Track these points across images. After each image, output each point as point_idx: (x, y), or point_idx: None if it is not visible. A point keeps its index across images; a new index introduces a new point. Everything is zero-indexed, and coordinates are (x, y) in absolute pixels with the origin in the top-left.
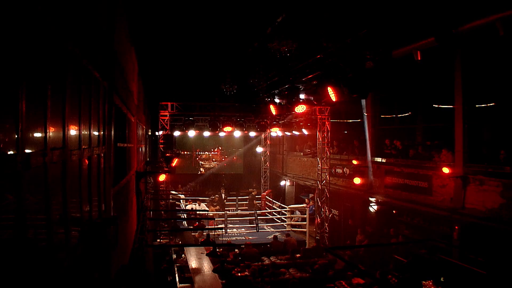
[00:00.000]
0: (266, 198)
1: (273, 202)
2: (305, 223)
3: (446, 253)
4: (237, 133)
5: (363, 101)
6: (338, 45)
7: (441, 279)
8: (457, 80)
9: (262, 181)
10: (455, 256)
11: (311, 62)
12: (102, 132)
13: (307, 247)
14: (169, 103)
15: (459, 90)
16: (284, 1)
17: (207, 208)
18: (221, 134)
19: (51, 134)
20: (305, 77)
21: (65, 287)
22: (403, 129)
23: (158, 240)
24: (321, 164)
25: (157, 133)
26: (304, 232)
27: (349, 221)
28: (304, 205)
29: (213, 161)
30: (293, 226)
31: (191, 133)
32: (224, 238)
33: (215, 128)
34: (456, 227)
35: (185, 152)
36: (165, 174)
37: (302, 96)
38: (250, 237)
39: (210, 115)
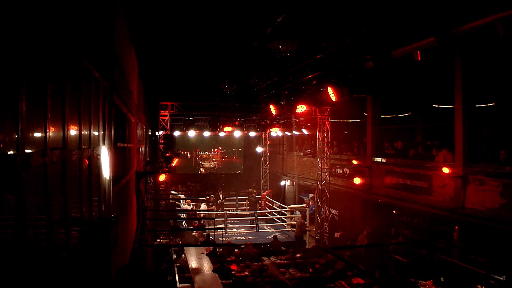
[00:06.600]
0: (266, 198)
1: (273, 202)
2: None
3: (446, 253)
4: (237, 133)
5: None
6: (338, 45)
7: (441, 279)
8: (457, 80)
9: (262, 181)
10: (455, 256)
11: (311, 62)
12: (102, 132)
13: (307, 247)
14: (169, 103)
15: (459, 90)
16: (284, 1)
17: (206, 208)
18: (221, 134)
19: (51, 134)
20: (305, 77)
21: (65, 287)
22: (403, 129)
23: (158, 240)
24: (321, 164)
25: (157, 133)
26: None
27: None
28: (304, 205)
29: (213, 161)
30: (293, 226)
31: (191, 133)
32: (224, 238)
33: (215, 128)
34: (456, 227)
35: (185, 152)
36: (165, 174)
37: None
38: (250, 237)
39: (210, 115)
